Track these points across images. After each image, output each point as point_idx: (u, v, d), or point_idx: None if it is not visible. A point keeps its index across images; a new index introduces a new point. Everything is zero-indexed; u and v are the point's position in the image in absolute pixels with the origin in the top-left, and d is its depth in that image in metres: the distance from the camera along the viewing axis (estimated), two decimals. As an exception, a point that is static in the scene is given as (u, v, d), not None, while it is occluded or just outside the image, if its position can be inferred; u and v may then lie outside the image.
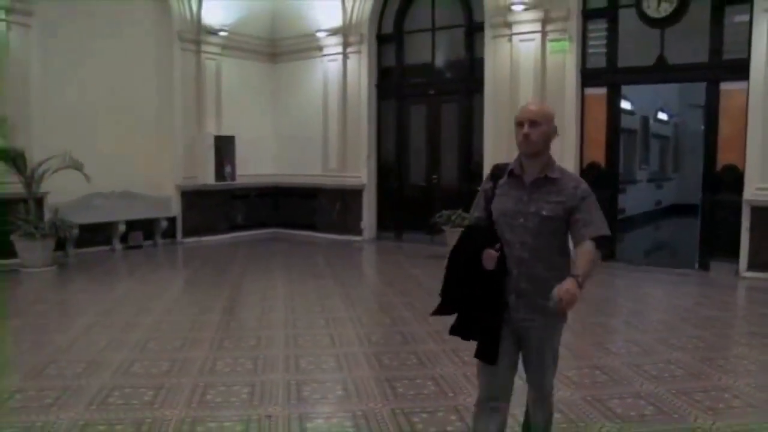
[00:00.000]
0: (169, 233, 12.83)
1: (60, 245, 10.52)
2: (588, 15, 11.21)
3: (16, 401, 4.72)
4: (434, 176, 13.19)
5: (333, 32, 13.66)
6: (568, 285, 2.88)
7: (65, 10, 11.08)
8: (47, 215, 10.27)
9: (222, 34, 13.44)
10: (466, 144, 12.72)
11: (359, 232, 13.63)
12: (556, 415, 3.89)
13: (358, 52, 13.53)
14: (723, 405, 4.75)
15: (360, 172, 13.62)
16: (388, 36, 13.62)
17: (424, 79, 13.41)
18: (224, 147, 13.27)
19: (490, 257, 3.01)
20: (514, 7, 11.26)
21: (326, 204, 14.08)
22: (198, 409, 4.55)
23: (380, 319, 7.52)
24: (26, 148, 9.96)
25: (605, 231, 3.09)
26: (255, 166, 14.05)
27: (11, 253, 9.85)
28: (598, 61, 11.23)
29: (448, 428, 4.28)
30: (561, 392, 4.68)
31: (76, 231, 10.65)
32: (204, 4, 13.14)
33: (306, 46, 14.17)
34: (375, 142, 13.76)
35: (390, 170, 13.83)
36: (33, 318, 7.36)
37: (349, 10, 13.45)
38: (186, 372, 5.36)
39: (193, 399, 4.74)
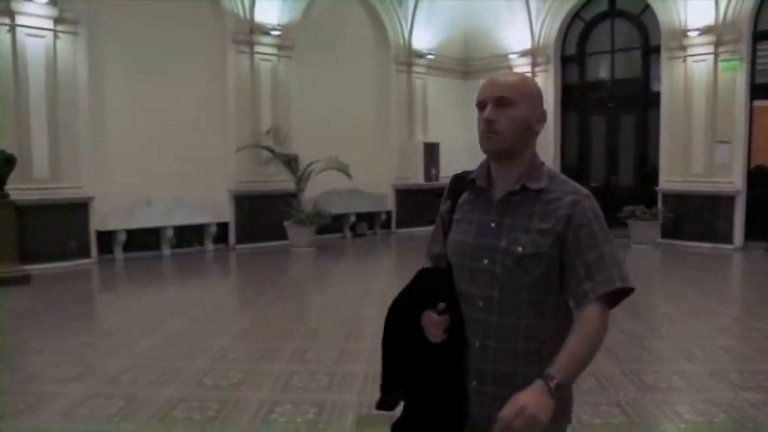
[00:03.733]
0: (386, 224, 15.56)
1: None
2: (757, 36, 12.83)
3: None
4: (613, 177, 15.14)
5: (522, 54, 15.89)
6: (526, 399, 1.71)
7: (316, 43, 13.90)
8: (308, 207, 13.09)
9: (429, 57, 16.05)
10: (641, 150, 14.62)
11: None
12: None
13: (545, 71, 15.69)
14: None
15: (544, 174, 15.77)
16: (571, 57, 15.70)
17: (603, 94, 15.40)
18: (430, 152, 15.86)
19: (432, 324, 1.94)
20: (689, 33, 13.05)
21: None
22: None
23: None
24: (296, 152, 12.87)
25: (622, 282, 1.85)
26: (453, 168, 16.46)
27: (283, 235, 12.83)
28: (766, 77, 12.84)
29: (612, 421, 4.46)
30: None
31: (329, 220, 13.41)
32: (414, 32, 15.79)
33: (497, 66, 16.43)
34: (559, 148, 15.87)
35: (571, 172, 15.89)
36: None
37: (536, 34, 15.65)
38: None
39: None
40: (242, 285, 10.55)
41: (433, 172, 15.94)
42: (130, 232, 11.48)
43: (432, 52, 16.18)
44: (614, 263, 1.85)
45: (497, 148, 1.93)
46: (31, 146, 10.36)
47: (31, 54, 10.32)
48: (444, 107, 16.69)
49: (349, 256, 13.05)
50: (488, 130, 1.92)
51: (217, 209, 12.52)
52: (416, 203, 15.92)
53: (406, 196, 15.88)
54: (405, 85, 15.87)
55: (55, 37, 10.57)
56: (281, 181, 13.04)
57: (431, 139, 16.02)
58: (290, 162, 12.37)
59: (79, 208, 10.94)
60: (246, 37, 12.82)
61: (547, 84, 15.63)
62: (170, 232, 11.86)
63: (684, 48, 13.28)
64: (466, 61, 17.21)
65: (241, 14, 12.76)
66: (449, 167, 16.12)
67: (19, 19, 10.18)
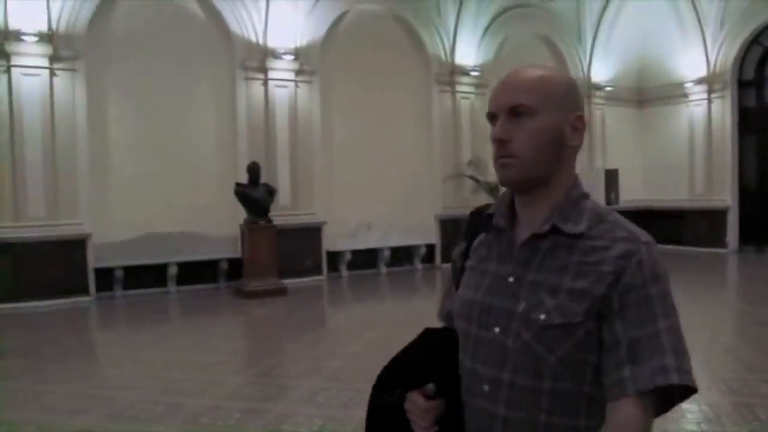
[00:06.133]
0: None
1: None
2: None
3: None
4: (795, 199, 15.49)
5: (698, 81, 16.56)
6: None
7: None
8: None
9: (607, 89, 17.06)
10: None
11: (724, 245, 16.28)
12: None
13: (722, 96, 16.30)
14: None
15: (725, 195, 16.32)
16: (749, 81, 16.22)
17: (784, 116, 15.85)
18: (610, 177, 16.81)
19: (417, 411, 1.47)
20: None
21: (692, 222, 16.92)
22: None
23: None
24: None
25: (680, 377, 1.27)
26: (630, 192, 17.37)
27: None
28: None
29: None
30: None
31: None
32: (592, 65, 16.87)
33: (671, 94, 17.22)
34: (737, 172, 16.35)
35: (751, 193, 16.34)
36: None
37: (712, 60, 16.29)
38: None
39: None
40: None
41: (612, 195, 16.85)
42: (353, 252, 13.20)
43: (609, 84, 17.17)
44: (673, 346, 1.28)
45: (515, 177, 1.40)
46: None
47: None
48: (621, 135, 17.59)
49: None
50: (501, 153, 1.41)
51: (425, 232, 14.06)
52: (597, 226, 16.80)
53: (587, 219, 16.83)
54: (586, 115, 16.85)
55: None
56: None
57: (610, 165, 16.96)
58: (492, 189, 13.71)
59: (315, 233, 12.75)
60: (448, 78, 14.39)
61: (723, 109, 16.22)
62: (387, 253, 13.48)
63: None
64: (641, 90, 18.04)
65: (443, 57, 14.36)
66: (628, 192, 17.03)
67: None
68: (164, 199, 11.65)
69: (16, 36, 10.48)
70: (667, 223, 17.38)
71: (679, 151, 17.14)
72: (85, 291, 11.10)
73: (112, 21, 11.49)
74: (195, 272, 11.89)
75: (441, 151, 14.38)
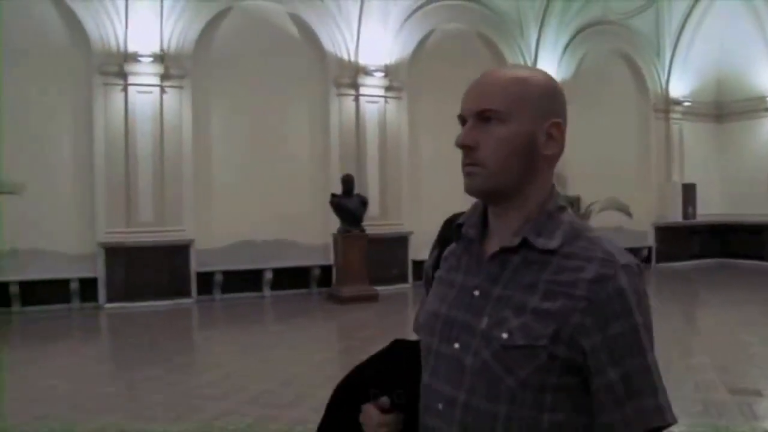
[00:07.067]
0: (646, 259, 16.76)
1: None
2: None
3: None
4: None
5: (780, 95, 16.62)
6: None
7: (586, 96, 15.53)
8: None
9: (685, 104, 17.20)
10: None
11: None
12: None
13: (805, 108, 16.33)
14: None
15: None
16: (832, 95, 16.21)
17: None
18: (687, 192, 16.91)
19: (371, 425, 1.45)
20: None
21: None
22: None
23: None
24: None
25: (661, 417, 1.20)
26: (707, 207, 17.41)
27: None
28: None
29: None
30: None
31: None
32: (671, 81, 17.02)
33: (752, 108, 17.24)
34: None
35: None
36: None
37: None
38: None
39: None
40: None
41: (690, 210, 16.94)
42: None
43: (687, 99, 17.30)
44: (657, 383, 1.21)
45: (481, 187, 1.31)
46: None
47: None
48: (699, 150, 17.66)
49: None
50: (466, 161, 1.31)
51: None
52: (675, 239, 16.95)
53: (665, 232, 16.98)
54: (663, 130, 17.11)
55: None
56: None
57: (688, 180, 17.06)
58: (572, 203, 14.04)
59: (402, 242, 13.32)
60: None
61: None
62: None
63: None
64: (720, 104, 18.07)
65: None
66: (705, 206, 17.08)
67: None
68: (261, 209, 12.36)
69: (134, 57, 11.43)
70: (747, 239, 17.35)
71: (760, 165, 17.10)
72: (187, 293, 11.88)
73: (215, 41, 12.32)
74: (288, 278, 12.57)
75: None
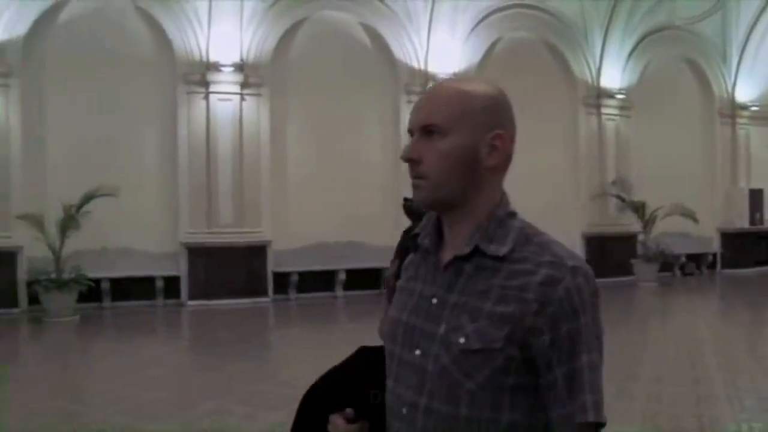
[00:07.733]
0: (711, 265, 16.74)
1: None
2: None
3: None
4: None
5: None
6: None
7: (650, 102, 15.66)
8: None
9: (753, 109, 17.13)
10: None
11: None
12: None
13: None
14: None
15: None
16: None
17: None
18: (755, 197, 16.85)
19: None
20: None
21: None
22: None
23: None
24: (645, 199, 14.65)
25: (596, 414, 1.25)
26: (773, 212, 17.34)
27: (625, 272, 14.61)
28: None
29: None
30: None
31: (672, 259, 15.25)
32: (737, 85, 16.98)
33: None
34: None
35: None
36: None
37: None
38: None
39: None
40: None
41: (758, 216, 16.86)
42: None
43: (754, 104, 17.22)
44: (593, 382, 1.26)
45: (427, 199, 1.35)
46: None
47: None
48: (764, 154, 17.55)
49: (699, 292, 14.51)
50: (412, 174, 1.36)
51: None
52: (741, 245, 16.88)
53: (731, 238, 16.93)
54: (729, 135, 17.07)
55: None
56: (623, 224, 14.93)
57: (755, 185, 16.99)
58: (638, 208, 14.18)
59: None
60: (594, 101, 14.98)
61: None
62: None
63: None
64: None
65: (589, 81, 14.95)
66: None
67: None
68: (334, 211, 12.80)
69: (215, 67, 12.03)
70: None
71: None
72: (264, 292, 12.39)
73: (291, 51, 12.84)
74: (360, 279, 12.96)
75: (587, 171, 14.91)
